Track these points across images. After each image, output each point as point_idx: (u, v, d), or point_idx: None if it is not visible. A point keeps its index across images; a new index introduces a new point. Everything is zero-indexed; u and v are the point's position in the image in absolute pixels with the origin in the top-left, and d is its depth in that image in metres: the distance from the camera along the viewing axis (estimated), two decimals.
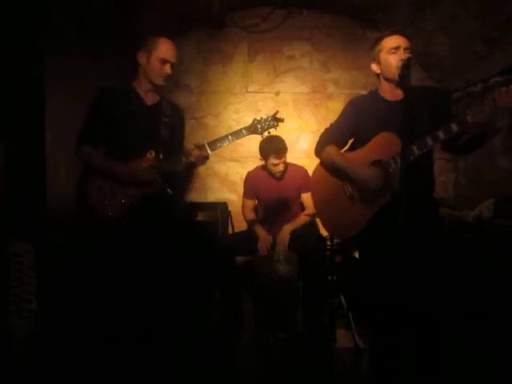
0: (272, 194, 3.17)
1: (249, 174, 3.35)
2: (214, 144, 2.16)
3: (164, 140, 2.26)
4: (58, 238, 2.53)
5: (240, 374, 2.48)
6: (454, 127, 1.78)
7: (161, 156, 2.19)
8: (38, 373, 2.14)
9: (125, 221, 2.14)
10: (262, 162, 3.30)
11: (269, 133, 2.25)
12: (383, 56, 1.98)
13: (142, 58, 2.21)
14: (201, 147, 2.15)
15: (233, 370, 2.51)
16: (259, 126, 2.20)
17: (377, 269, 1.97)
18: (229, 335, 2.91)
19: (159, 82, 2.23)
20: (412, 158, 1.83)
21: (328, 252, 3.18)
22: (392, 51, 1.94)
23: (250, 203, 3.32)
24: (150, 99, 2.31)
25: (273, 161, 3.06)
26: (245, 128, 2.20)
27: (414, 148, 1.84)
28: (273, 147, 3.04)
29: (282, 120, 2.24)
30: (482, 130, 1.80)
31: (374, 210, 1.95)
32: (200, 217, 3.62)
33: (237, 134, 2.18)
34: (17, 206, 2.49)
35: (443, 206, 3.28)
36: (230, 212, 3.96)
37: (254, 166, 3.40)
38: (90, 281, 2.17)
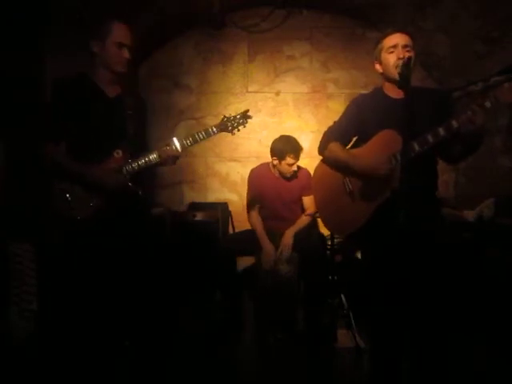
0: (275, 193, 3.15)
1: (253, 171, 3.27)
2: (183, 142, 2.09)
3: (130, 136, 2.11)
4: (58, 238, 2.53)
5: (240, 374, 2.48)
6: (455, 124, 1.77)
7: (128, 155, 2.06)
8: (39, 373, 2.14)
9: (96, 223, 2.00)
10: (262, 162, 3.29)
11: (238, 130, 2.20)
12: (383, 55, 1.97)
13: (96, 47, 2.03)
14: (170, 145, 2.07)
15: (233, 369, 2.51)
16: (229, 123, 2.17)
17: (378, 267, 1.96)
18: (229, 335, 2.91)
19: (119, 68, 2.06)
20: (413, 154, 1.82)
21: (328, 252, 3.18)
22: (390, 50, 1.93)
23: (255, 203, 3.22)
24: (112, 91, 2.12)
25: (289, 160, 3.00)
26: (215, 126, 2.14)
27: (415, 145, 1.83)
28: (291, 146, 3.00)
29: (250, 117, 2.22)
30: (480, 130, 1.79)
31: (374, 207, 1.95)
32: (200, 217, 3.62)
33: (207, 132, 2.12)
34: (17, 206, 2.49)
35: (444, 206, 3.28)
36: (230, 212, 3.96)
37: (254, 166, 3.37)
38: (86, 281, 2.12)
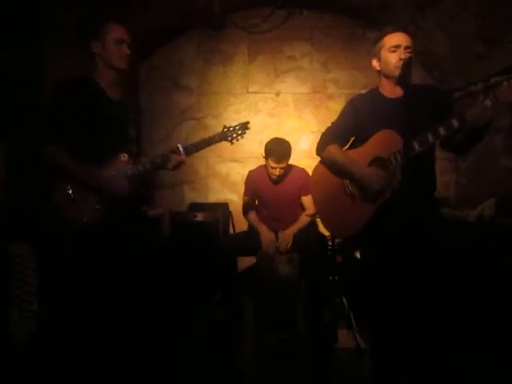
0: (271, 194, 3.16)
1: (250, 172, 3.33)
2: (189, 149, 2.12)
3: (133, 139, 2.14)
4: (58, 238, 2.53)
5: (241, 374, 2.47)
6: (455, 123, 1.76)
7: (133, 158, 2.08)
8: (40, 373, 2.14)
9: (103, 226, 1.99)
10: (262, 162, 3.30)
11: (237, 140, 2.24)
12: (383, 53, 1.96)
13: (96, 47, 2.05)
14: (177, 152, 2.09)
15: (234, 369, 2.51)
16: (229, 133, 2.21)
17: (378, 268, 1.96)
18: (230, 335, 2.91)
19: (121, 65, 2.07)
20: (412, 154, 1.81)
21: (329, 252, 3.17)
22: (392, 49, 1.92)
23: (251, 202, 3.29)
24: (114, 94, 2.13)
25: (271, 163, 3.02)
26: (217, 134, 2.19)
27: (415, 144, 1.82)
28: (274, 151, 3.01)
29: (249, 128, 2.26)
30: (481, 127, 1.78)
31: (374, 209, 1.94)
32: (201, 217, 3.62)
33: (209, 140, 2.17)
34: (17, 206, 2.49)
35: (444, 206, 3.28)
36: (230, 212, 3.96)
37: (254, 167, 3.39)
38: (88, 283, 2.12)
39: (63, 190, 1.98)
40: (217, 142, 2.18)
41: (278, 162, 3.00)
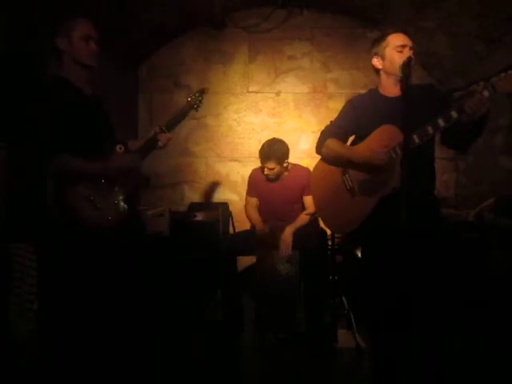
0: (271, 193, 3.16)
1: (253, 171, 3.34)
2: (169, 125, 2.24)
3: (114, 130, 2.18)
4: (58, 237, 2.52)
5: (241, 374, 2.48)
6: (454, 114, 1.77)
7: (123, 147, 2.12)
8: (39, 373, 2.14)
9: (124, 221, 2.04)
10: None
11: (199, 107, 2.35)
12: (389, 52, 1.97)
13: (63, 44, 2.00)
14: (162, 131, 2.21)
15: (234, 369, 2.51)
16: (193, 102, 2.32)
17: (377, 265, 1.97)
18: (230, 335, 2.91)
19: (91, 61, 2.03)
20: (412, 147, 1.81)
21: (329, 252, 3.18)
22: (399, 49, 1.94)
23: (253, 201, 3.30)
24: (87, 89, 2.09)
25: (261, 163, 3.09)
26: (186, 106, 2.32)
27: (415, 137, 1.82)
28: (262, 151, 3.06)
29: (206, 90, 2.41)
30: (480, 118, 1.78)
31: (374, 202, 1.94)
32: (200, 217, 3.62)
33: (183, 112, 2.30)
34: (17, 206, 2.49)
35: (444, 206, 3.28)
36: (230, 212, 3.96)
37: (255, 166, 3.39)
38: (90, 281, 2.12)
39: (80, 194, 1.95)
40: (188, 111, 2.32)
41: (263, 162, 3.05)
